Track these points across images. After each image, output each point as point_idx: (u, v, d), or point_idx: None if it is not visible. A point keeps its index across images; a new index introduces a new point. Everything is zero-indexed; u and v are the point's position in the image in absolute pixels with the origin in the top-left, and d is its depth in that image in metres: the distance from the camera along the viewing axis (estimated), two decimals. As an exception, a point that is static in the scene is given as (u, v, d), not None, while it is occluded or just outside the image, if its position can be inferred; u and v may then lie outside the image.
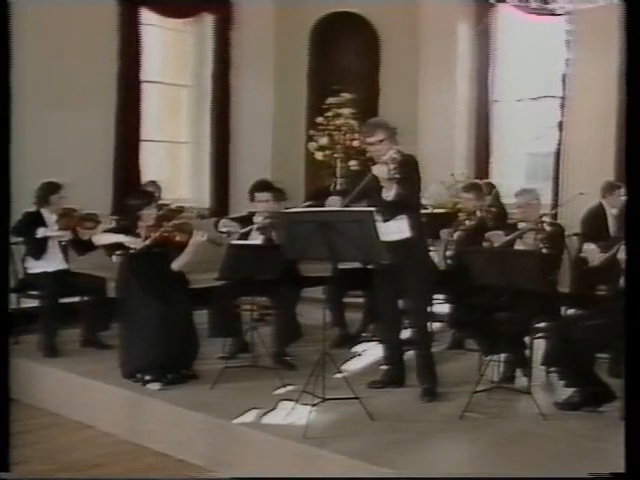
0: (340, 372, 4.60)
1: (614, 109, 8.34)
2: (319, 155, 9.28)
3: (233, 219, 5.92)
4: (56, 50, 7.60)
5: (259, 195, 5.83)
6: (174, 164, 9.42)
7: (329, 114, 9.24)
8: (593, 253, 4.57)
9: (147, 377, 4.93)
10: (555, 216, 8.49)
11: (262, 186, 5.92)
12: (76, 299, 5.99)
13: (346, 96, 9.33)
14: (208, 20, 9.12)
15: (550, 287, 4.99)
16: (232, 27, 9.13)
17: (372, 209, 4.24)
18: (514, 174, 9.70)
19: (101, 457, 4.53)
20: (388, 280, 4.86)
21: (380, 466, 3.76)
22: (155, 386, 4.90)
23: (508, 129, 9.59)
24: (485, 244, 5.30)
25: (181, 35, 9.26)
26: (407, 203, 4.65)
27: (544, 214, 5.22)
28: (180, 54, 9.34)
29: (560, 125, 8.82)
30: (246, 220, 5.87)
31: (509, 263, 4.45)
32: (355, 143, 9.32)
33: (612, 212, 6.96)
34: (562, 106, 8.82)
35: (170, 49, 9.30)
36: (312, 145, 9.31)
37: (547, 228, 5.06)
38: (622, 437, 3.68)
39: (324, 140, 9.26)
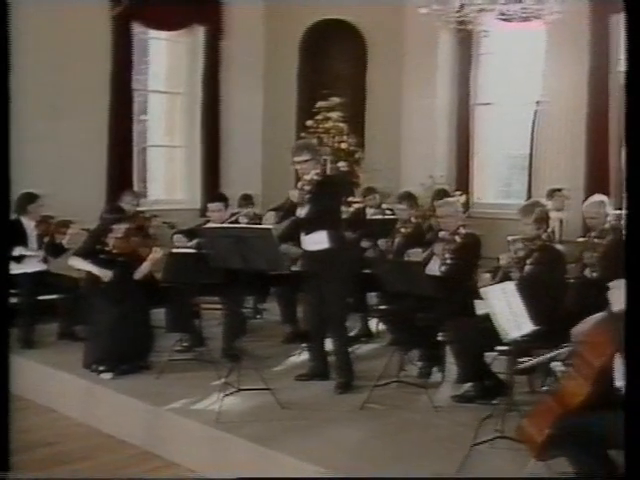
0: (255, 367, 5.16)
1: (584, 113, 8.74)
2: (309, 157, 9.77)
3: (189, 231, 6.48)
4: (49, 59, 8.17)
5: (211, 206, 6.38)
6: (170, 167, 10.07)
7: (319, 117, 9.69)
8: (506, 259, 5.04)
9: (101, 367, 5.59)
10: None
11: (213, 197, 6.50)
12: (54, 296, 6.70)
13: (335, 100, 9.77)
14: (199, 31, 9.70)
15: (461, 292, 5.47)
16: (222, 37, 9.71)
17: (271, 227, 4.83)
18: (493, 176, 10.13)
19: (55, 436, 5.20)
20: (312, 286, 5.43)
21: (281, 449, 4.33)
22: (107, 375, 5.56)
23: (487, 132, 9.98)
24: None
25: (175, 45, 9.87)
26: (320, 220, 5.18)
27: (461, 225, 5.64)
28: (174, 63, 9.97)
29: (534, 128, 9.23)
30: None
31: (407, 273, 4.97)
32: (343, 145, 9.82)
33: (557, 215, 7.38)
34: (537, 110, 9.21)
35: (165, 59, 9.95)
36: (302, 148, 9.80)
37: (458, 240, 5.50)
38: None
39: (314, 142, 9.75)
